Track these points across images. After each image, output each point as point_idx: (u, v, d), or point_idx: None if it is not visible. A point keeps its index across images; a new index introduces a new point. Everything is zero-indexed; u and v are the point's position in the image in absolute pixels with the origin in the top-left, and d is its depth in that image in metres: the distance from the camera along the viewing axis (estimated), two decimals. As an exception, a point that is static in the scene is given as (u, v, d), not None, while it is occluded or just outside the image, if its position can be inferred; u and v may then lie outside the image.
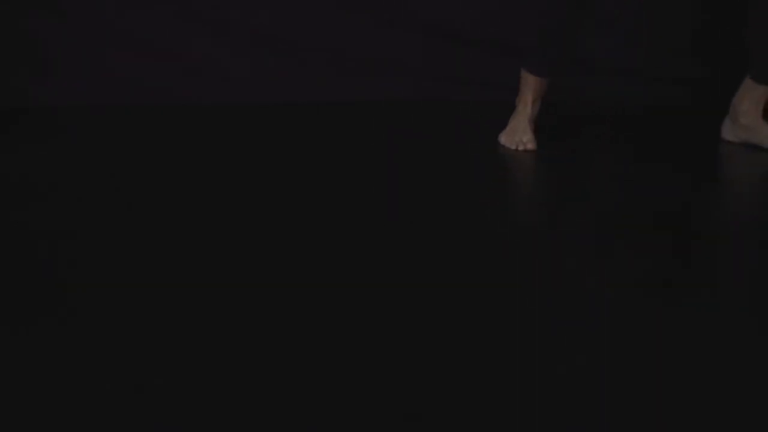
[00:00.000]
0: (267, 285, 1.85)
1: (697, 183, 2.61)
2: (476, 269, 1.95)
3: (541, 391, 1.51)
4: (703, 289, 1.93)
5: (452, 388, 1.51)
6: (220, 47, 3.17)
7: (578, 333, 1.70)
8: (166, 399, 1.47)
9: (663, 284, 1.93)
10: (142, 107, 3.03)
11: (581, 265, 2.03)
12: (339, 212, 2.24)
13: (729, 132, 2.86)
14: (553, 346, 1.65)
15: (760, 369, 1.60)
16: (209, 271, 1.91)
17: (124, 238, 2.06)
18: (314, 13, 3.20)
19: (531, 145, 2.72)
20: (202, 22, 3.15)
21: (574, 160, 2.69)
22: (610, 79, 3.27)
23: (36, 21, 3.01)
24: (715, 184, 2.71)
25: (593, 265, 2.02)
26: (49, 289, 1.81)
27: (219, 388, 1.49)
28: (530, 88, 2.78)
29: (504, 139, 2.78)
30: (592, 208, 2.38)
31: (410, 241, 2.07)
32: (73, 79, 3.06)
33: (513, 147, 2.74)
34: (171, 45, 3.12)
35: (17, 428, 1.39)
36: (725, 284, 1.94)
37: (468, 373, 1.55)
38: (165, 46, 3.12)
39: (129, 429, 1.39)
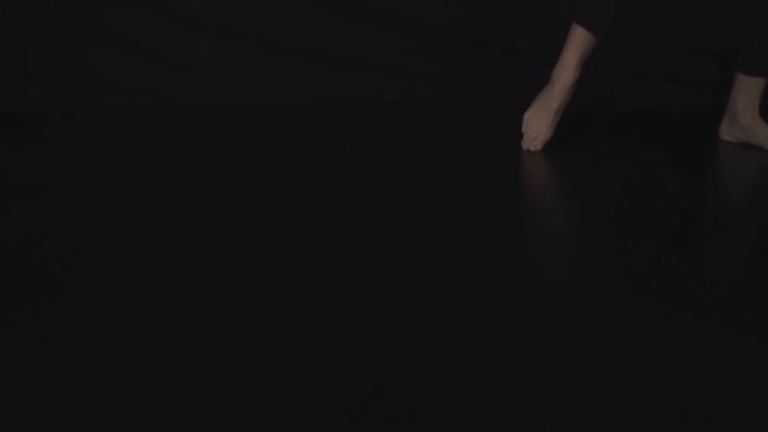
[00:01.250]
0: (267, 285, 1.86)
1: (695, 183, 2.61)
2: (476, 268, 1.95)
3: (534, 387, 1.52)
4: (701, 289, 1.93)
5: (447, 385, 1.51)
6: (217, 47, 3.17)
7: (575, 332, 1.70)
8: (167, 396, 1.47)
9: (660, 284, 1.94)
10: (134, 107, 3.03)
11: (579, 264, 2.03)
12: (338, 213, 2.24)
13: (727, 132, 2.86)
14: (550, 343, 1.66)
15: (758, 369, 1.60)
16: (208, 272, 1.91)
17: (120, 238, 2.06)
18: (313, 13, 3.20)
19: (533, 147, 2.71)
20: (198, 22, 3.15)
21: (572, 160, 2.69)
22: (608, 79, 3.27)
23: (29, 22, 3.01)
24: (712, 185, 2.71)
25: (590, 264, 2.02)
26: (43, 290, 1.81)
27: (219, 384, 1.49)
28: (577, 47, 2.67)
29: (529, 119, 2.72)
30: (589, 207, 2.39)
31: (408, 242, 2.08)
32: (65, 80, 3.05)
33: (526, 144, 2.71)
34: (165, 46, 3.12)
35: (19, 427, 1.39)
36: (724, 284, 1.94)
37: (464, 370, 1.56)
38: (160, 47, 3.12)
39: (131, 426, 1.39)
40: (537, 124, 2.71)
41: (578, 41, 2.67)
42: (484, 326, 1.71)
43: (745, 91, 2.78)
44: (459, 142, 2.83)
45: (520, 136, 2.72)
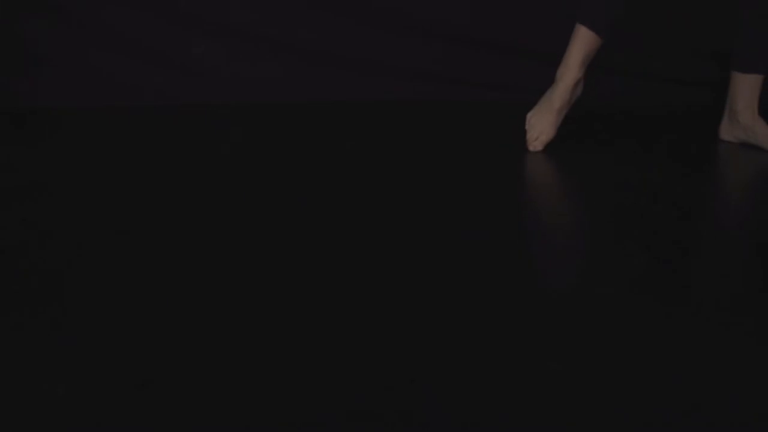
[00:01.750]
0: (267, 285, 1.85)
1: (695, 183, 2.61)
2: (476, 268, 1.95)
3: (534, 387, 1.51)
4: (701, 289, 1.93)
5: (447, 385, 1.51)
6: (217, 47, 3.17)
7: (575, 332, 1.70)
8: (167, 396, 1.47)
9: (660, 284, 1.94)
10: (134, 107, 3.03)
11: (579, 264, 2.03)
12: (338, 213, 2.24)
13: (727, 132, 2.86)
14: (550, 343, 1.66)
15: (758, 369, 1.60)
16: (208, 272, 1.91)
17: (120, 238, 2.06)
18: (313, 13, 3.20)
19: (533, 147, 2.71)
20: (198, 22, 3.15)
21: (572, 159, 2.69)
22: (609, 79, 3.28)
23: (29, 22, 3.01)
24: (712, 185, 2.71)
25: (590, 264, 2.02)
26: (43, 290, 1.81)
27: (219, 384, 1.49)
28: (580, 47, 2.66)
29: (532, 118, 2.72)
30: (589, 207, 2.38)
31: (409, 242, 2.07)
32: (65, 80, 3.06)
33: (530, 144, 2.70)
34: (165, 46, 3.13)
35: (19, 427, 1.39)
36: (724, 284, 1.94)
37: (465, 370, 1.56)
38: (160, 47, 3.12)
39: (131, 426, 1.39)
40: (539, 124, 2.71)
41: (582, 41, 2.67)
42: (485, 326, 1.71)
43: (744, 89, 2.78)
44: (459, 142, 2.83)
45: (524, 135, 2.72)
